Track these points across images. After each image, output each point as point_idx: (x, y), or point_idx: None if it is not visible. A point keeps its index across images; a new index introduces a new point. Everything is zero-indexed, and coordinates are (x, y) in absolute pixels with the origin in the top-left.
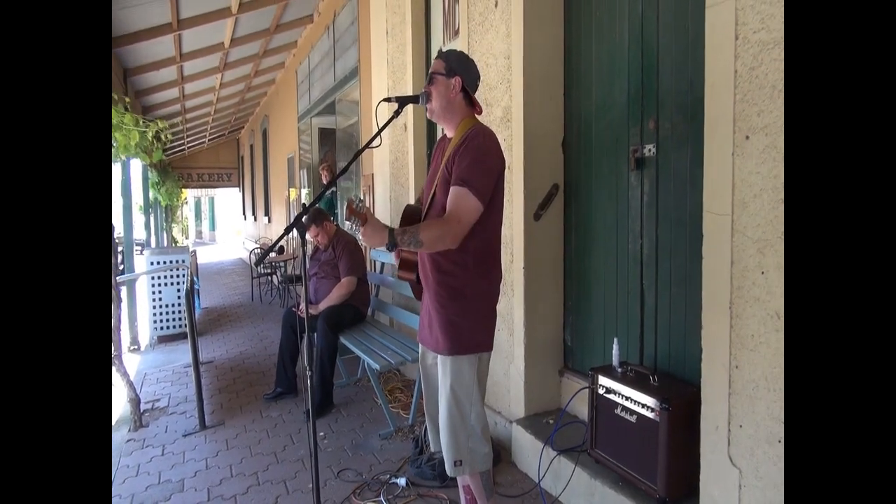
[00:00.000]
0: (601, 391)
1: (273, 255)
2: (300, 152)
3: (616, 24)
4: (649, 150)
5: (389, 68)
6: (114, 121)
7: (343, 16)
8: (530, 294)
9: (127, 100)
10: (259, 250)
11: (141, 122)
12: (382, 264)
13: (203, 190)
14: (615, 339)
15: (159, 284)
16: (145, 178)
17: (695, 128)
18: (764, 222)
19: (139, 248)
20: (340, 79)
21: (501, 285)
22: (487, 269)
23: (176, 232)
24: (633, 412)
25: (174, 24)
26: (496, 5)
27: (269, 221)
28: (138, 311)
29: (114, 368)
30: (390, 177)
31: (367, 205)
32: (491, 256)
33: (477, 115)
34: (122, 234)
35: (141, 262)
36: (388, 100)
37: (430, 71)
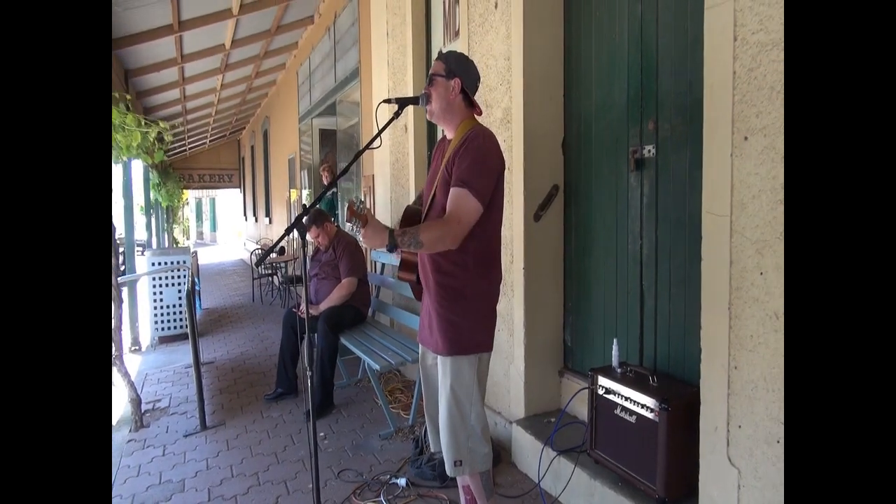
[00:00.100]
0: (601, 392)
1: (274, 255)
2: (301, 153)
3: (616, 25)
4: (649, 151)
5: (390, 69)
6: (116, 121)
7: (344, 17)
8: (530, 294)
9: (128, 97)
10: (260, 251)
11: (143, 123)
12: (383, 265)
13: (204, 191)
14: (615, 340)
15: (160, 285)
16: (146, 179)
17: (694, 129)
18: (763, 223)
19: (140, 248)
20: (341, 80)
21: (501, 286)
22: (487, 270)
23: (177, 233)
24: (632, 412)
25: (175, 26)
26: (496, 6)
27: (270, 222)
28: (139, 312)
29: (115, 369)
30: (391, 178)
31: (368, 206)
32: (491, 257)
33: (477, 117)
34: (123, 235)
35: (142, 262)
36: (388, 101)
37: (429, 72)
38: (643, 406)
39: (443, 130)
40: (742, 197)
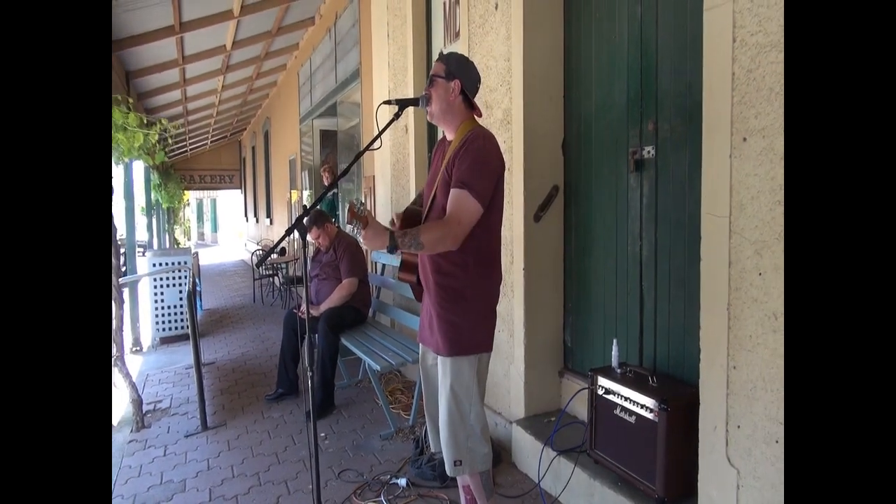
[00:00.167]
0: (600, 392)
1: (275, 256)
2: (302, 154)
3: (615, 25)
4: (648, 152)
5: (390, 70)
6: (118, 122)
7: (344, 18)
8: (530, 295)
9: (130, 101)
10: (261, 252)
11: (145, 121)
12: (383, 266)
13: (205, 192)
14: (614, 340)
15: (161, 286)
16: (147, 180)
17: (693, 130)
18: (761, 224)
19: (141, 249)
20: (342, 81)
21: (501, 286)
22: (488, 271)
23: (178, 234)
24: (632, 413)
25: (176, 27)
26: (496, 8)
27: (271, 223)
28: (140, 313)
29: (116, 369)
30: (391, 178)
31: (368, 206)
32: (491, 258)
33: (476, 119)
34: (124, 236)
35: (143, 263)
36: (388, 102)
37: (430, 73)
38: (643, 406)
39: (443, 131)
40: (741, 198)
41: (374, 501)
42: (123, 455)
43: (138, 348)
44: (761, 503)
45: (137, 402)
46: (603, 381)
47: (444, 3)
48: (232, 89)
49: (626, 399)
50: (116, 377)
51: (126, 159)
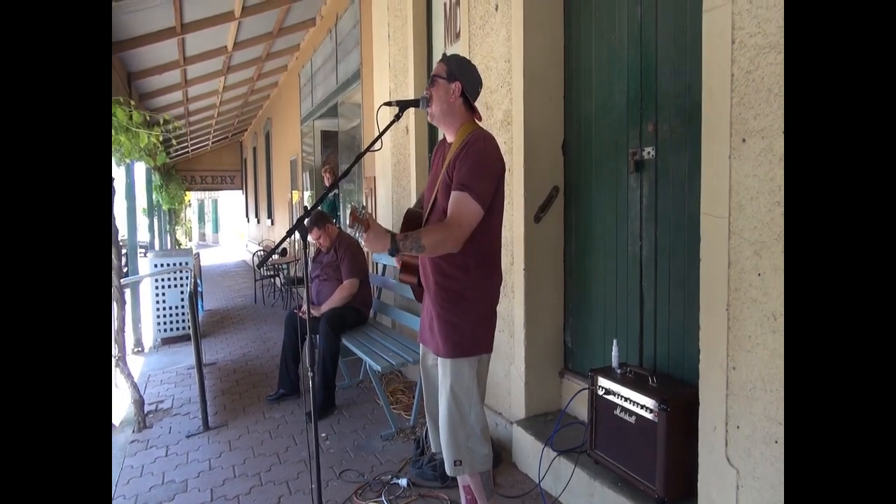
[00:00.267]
0: (601, 392)
1: (276, 257)
2: (303, 154)
3: (615, 27)
4: (648, 153)
5: (391, 71)
6: (122, 123)
7: (345, 19)
8: (531, 296)
9: (132, 102)
10: (262, 253)
11: (148, 118)
12: (384, 266)
13: (206, 192)
14: (615, 341)
15: (163, 287)
16: (149, 181)
17: (693, 131)
18: (760, 224)
19: (143, 250)
20: (343, 81)
21: (502, 287)
22: (488, 272)
23: (179, 234)
24: (632, 413)
25: (178, 29)
26: (496, 9)
27: (272, 224)
28: (142, 314)
29: (118, 370)
30: (392, 179)
31: (369, 208)
32: (492, 259)
33: (477, 122)
34: (126, 237)
35: (145, 264)
36: (389, 104)
37: (432, 73)
38: (643, 406)
39: (443, 132)
40: (740, 199)
41: (375, 501)
42: (125, 455)
43: (140, 349)
44: (761, 503)
45: (139, 402)
46: (603, 382)
47: (445, 4)
48: (233, 90)
49: (626, 399)
50: (118, 378)
51: (128, 160)
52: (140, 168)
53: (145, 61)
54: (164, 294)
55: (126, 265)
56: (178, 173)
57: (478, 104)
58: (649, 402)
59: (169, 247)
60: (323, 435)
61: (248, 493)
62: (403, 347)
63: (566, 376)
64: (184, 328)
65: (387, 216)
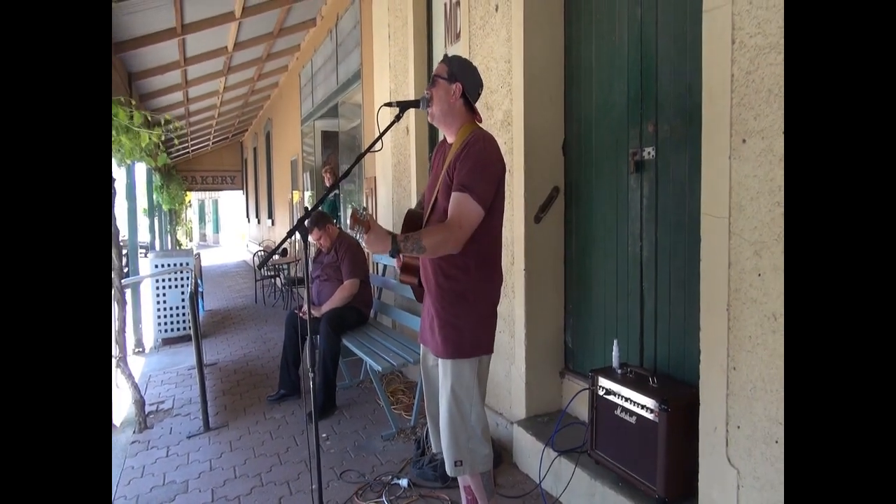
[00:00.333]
0: (601, 392)
1: (276, 257)
2: (303, 155)
3: (615, 27)
4: (649, 153)
5: (391, 72)
6: (123, 123)
7: (345, 20)
8: (531, 296)
9: (133, 103)
10: (262, 253)
11: (150, 118)
12: (385, 267)
13: (207, 193)
14: (615, 341)
15: (163, 287)
16: (149, 182)
17: (693, 131)
18: (760, 225)
19: (143, 250)
20: (343, 82)
21: (502, 288)
22: (489, 273)
23: (180, 235)
24: (632, 413)
25: (178, 29)
26: (497, 9)
27: (273, 224)
28: (143, 314)
29: (119, 370)
30: (392, 179)
31: (370, 208)
32: (492, 260)
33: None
34: (126, 237)
35: (145, 264)
36: (389, 104)
37: (433, 73)
38: (643, 407)
39: (443, 133)
40: (740, 199)
41: (376, 502)
42: (126, 456)
43: (141, 349)
44: (761, 503)
45: (140, 402)
46: (603, 382)
47: (445, 5)
48: (233, 91)
49: (626, 400)
50: (119, 378)
51: (128, 161)
52: (141, 168)
53: (146, 62)
54: (164, 294)
55: (127, 265)
56: (179, 174)
57: (478, 104)
58: (650, 402)
59: (169, 247)
60: (324, 435)
61: (248, 493)
62: (404, 348)
63: (567, 376)
64: (184, 328)
65: (387, 217)
